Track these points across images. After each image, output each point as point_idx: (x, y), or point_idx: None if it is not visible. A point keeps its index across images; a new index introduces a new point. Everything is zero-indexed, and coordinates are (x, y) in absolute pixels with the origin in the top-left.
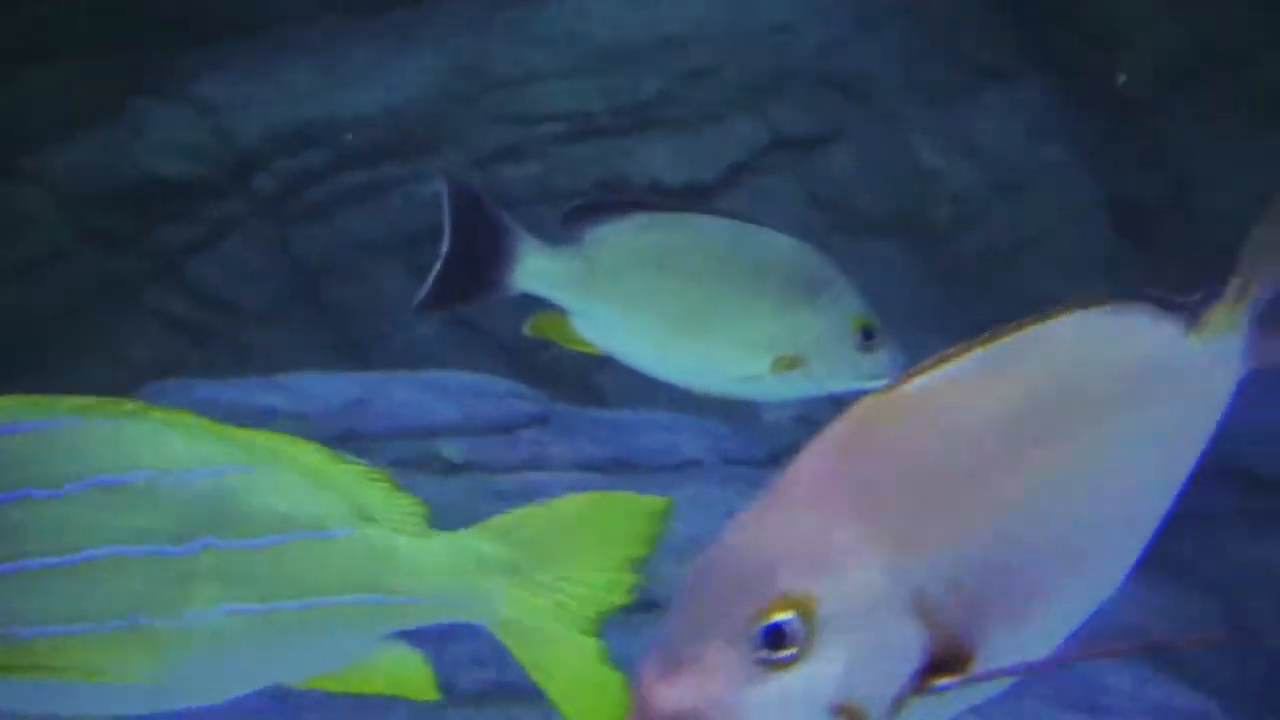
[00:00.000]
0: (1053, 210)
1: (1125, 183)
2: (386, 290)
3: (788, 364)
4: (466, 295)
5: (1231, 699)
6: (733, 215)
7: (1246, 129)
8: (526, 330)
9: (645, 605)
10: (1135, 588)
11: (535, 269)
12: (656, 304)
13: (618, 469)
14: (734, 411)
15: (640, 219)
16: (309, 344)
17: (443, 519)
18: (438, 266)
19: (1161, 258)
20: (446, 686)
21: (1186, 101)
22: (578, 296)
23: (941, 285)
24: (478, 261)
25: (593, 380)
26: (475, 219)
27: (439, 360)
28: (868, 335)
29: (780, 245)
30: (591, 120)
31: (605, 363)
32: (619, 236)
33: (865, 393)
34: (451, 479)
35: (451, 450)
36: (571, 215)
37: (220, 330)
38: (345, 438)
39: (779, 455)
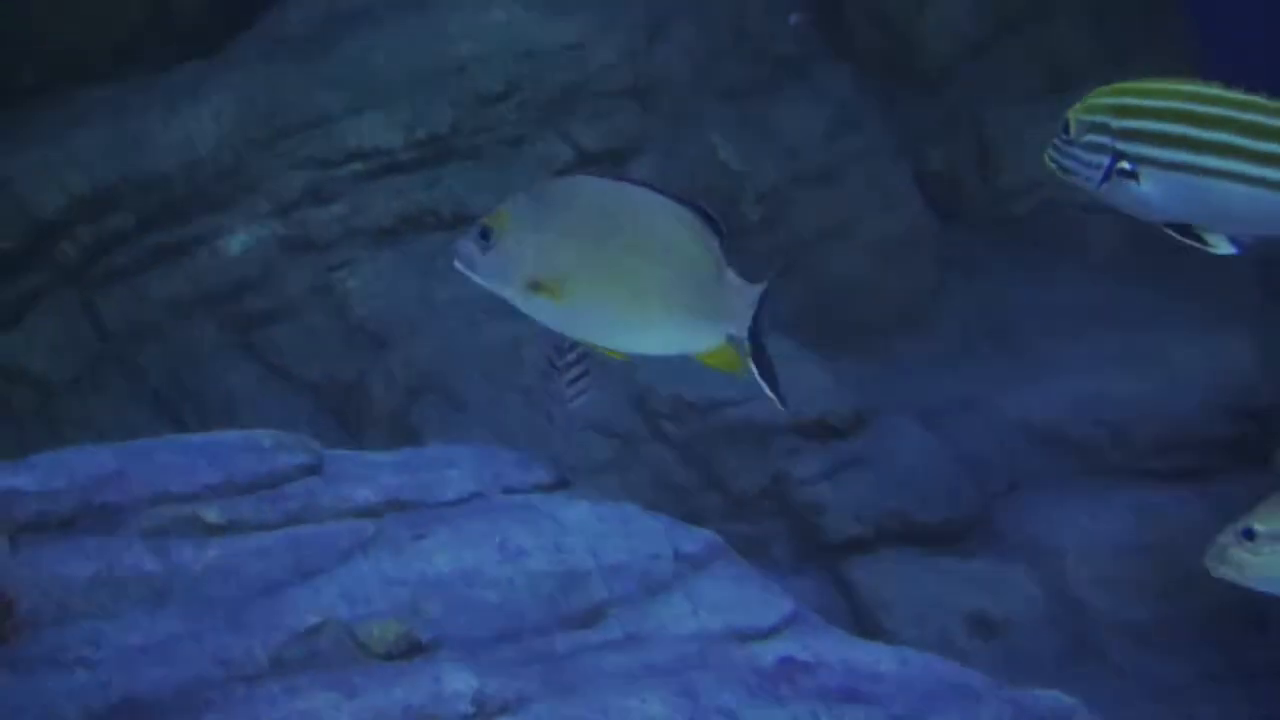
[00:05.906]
0: (861, 196)
1: (929, 159)
2: (197, 347)
3: None
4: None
5: None
6: None
7: (1039, 93)
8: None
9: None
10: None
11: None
12: None
13: (393, 510)
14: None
15: None
16: (122, 409)
17: (201, 587)
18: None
19: (970, 226)
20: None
21: (979, 72)
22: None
23: (755, 281)
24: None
25: (407, 419)
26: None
27: (254, 410)
28: None
29: None
30: (392, 156)
31: (418, 400)
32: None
33: None
34: (211, 541)
35: (210, 512)
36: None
37: (28, 405)
38: (100, 511)
39: (566, 481)
